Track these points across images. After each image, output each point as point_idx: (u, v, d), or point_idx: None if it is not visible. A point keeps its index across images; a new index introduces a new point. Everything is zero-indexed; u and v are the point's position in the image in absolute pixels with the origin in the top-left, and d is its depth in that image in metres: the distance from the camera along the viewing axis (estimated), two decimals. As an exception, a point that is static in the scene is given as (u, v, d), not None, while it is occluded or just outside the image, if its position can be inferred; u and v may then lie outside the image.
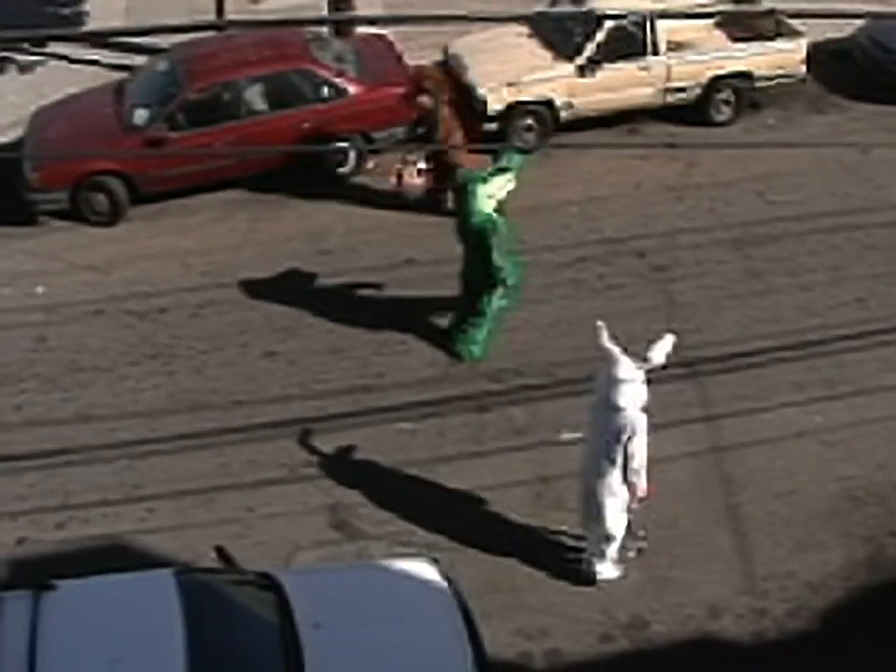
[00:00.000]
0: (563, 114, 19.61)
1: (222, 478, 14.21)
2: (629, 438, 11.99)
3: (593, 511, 12.48)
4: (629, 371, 11.85)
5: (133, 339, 16.28)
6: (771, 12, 19.18)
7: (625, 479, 12.19)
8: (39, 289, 17.18)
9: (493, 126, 19.35)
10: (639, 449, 12.09)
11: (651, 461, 13.94)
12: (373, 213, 18.55)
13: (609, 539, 12.64)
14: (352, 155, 19.09)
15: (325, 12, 21.73)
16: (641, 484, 12.31)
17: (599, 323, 12.04)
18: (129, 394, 15.45)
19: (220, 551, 12.77)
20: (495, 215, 15.41)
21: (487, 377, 15.54)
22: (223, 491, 14.05)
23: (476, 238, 15.46)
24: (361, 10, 21.75)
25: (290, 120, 18.55)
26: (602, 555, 12.85)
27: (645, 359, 11.94)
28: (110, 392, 15.47)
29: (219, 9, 21.75)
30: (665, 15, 20.05)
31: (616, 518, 12.48)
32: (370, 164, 19.38)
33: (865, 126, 20.30)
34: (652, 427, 14.42)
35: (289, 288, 16.99)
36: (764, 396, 15.08)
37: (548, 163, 19.17)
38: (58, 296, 17.03)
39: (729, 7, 20.65)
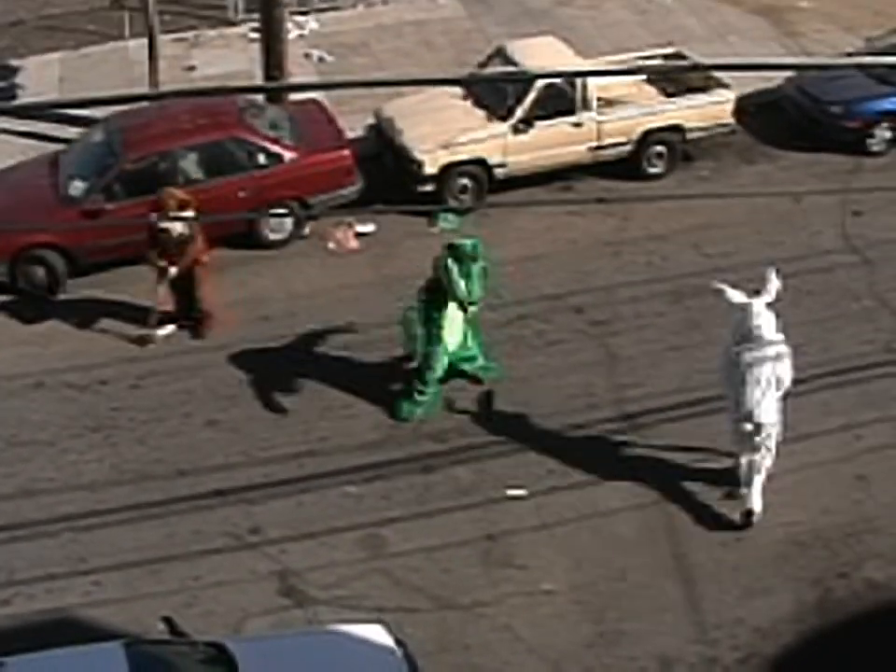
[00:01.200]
0: (498, 173, 19.76)
1: (168, 548, 14.13)
2: (778, 362, 13.96)
3: (760, 445, 13.89)
4: (758, 304, 14.15)
5: (74, 411, 16.19)
6: (696, 67, 19.43)
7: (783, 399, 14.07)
8: (-22, 364, 17.09)
9: (428, 188, 19.46)
10: (788, 370, 14.07)
11: (597, 515, 14.14)
12: (312, 278, 18.60)
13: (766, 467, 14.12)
14: (288, 221, 19.13)
15: (258, 79, 21.85)
16: None
17: (717, 284, 14.48)
18: (71, 467, 15.34)
19: (169, 621, 12.68)
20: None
21: (431, 438, 15.55)
22: (170, 561, 13.98)
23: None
24: (294, 76, 21.88)
25: (227, 188, 18.55)
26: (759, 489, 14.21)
27: (759, 291, 14.29)
28: (52, 466, 15.36)
29: (154, 78, 21.81)
30: (595, 73, 20.29)
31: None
32: (306, 230, 19.41)
33: (796, 175, 20.58)
34: (596, 482, 14.65)
35: (230, 356, 16.97)
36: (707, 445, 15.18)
37: (484, 223, 19.27)
38: (-3, 370, 16.95)
39: (657, 63, 20.96)
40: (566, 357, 16.73)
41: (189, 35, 25.24)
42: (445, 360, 15.79)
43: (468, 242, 15.75)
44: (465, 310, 15.68)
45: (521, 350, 16.84)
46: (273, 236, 19.18)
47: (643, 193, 19.98)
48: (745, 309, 14.16)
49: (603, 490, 14.64)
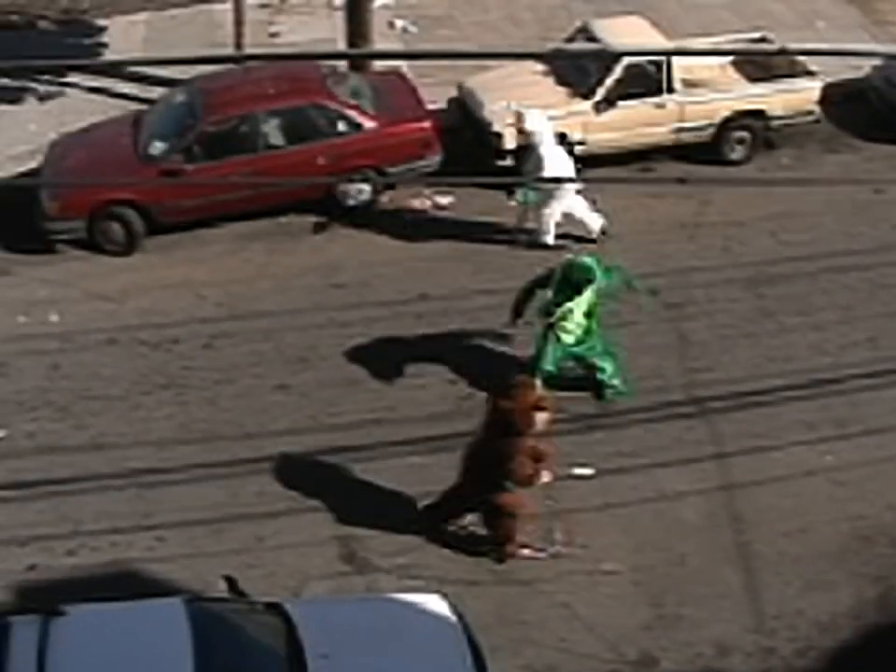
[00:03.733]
0: (577, 150, 19.65)
1: (232, 508, 14.24)
2: None
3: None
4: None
5: (145, 368, 16.33)
6: (783, 52, 19.22)
7: None
8: (54, 317, 17.25)
9: (507, 162, 19.42)
10: None
11: (662, 498, 14.08)
12: (387, 247, 18.62)
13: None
14: (367, 189, 19.17)
15: (342, 47, 21.87)
16: None
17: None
18: (141, 423, 15.49)
19: (230, 580, 12.79)
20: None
21: (498, 412, 15.53)
22: (233, 521, 14.07)
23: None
24: (378, 46, 21.89)
25: (306, 154, 18.62)
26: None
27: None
28: (122, 421, 15.52)
29: (238, 42, 21.90)
30: (680, 53, 20.15)
31: None
32: (384, 199, 19.45)
33: (879, 166, 20.33)
34: (662, 465, 14.58)
35: (303, 321, 17.03)
36: (775, 434, 15.10)
37: (562, 200, 19.27)
38: (72, 324, 17.10)
39: (743, 47, 20.75)
40: (638, 338, 16.64)
41: (275, 0, 25.31)
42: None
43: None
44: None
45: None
46: (350, 204, 19.23)
47: (723, 178, 19.86)
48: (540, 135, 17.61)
49: (668, 473, 14.57)
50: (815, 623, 12.95)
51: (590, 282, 15.05)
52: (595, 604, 13.12)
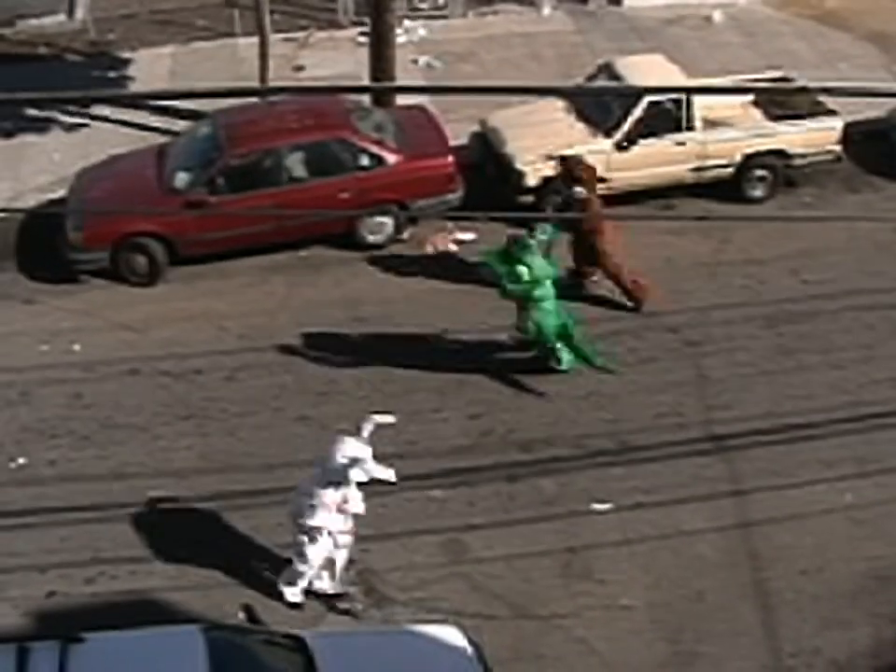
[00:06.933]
0: (598, 188, 19.69)
1: (252, 539, 14.27)
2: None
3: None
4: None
5: (167, 399, 16.42)
6: (804, 90, 19.27)
7: None
8: (76, 347, 17.36)
9: (529, 199, 19.51)
10: None
11: (679, 534, 14.05)
12: (408, 282, 18.71)
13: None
14: (388, 224, 19.27)
15: (366, 82, 22.02)
16: None
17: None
18: (162, 453, 15.58)
19: (249, 610, 12.82)
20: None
21: (518, 447, 15.59)
22: (253, 552, 14.11)
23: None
24: (401, 81, 22.04)
25: (329, 188, 18.73)
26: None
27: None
28: (143, 451, 15.62)
29: (262, 76, 22.08)
30: (701, 91, 20.23)
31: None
32: (406, 234, 19.55)
33: (899, 206, 20.39)
34: (680, 501, 14.57)
35: (324, 354, 17.12)
36: (794, 472, 15.09)
37: (582, 236, 19.34)
38: (95, 354, 17.21)
39: (764, 85, 20.83)
40: (657, 375, 16.70)
41: (299, 35, 25.53)
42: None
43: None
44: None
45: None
46: (371, 238, 19.33)
47: (744, 216, 19.88)
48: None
49: (686, 510, 14.59)
50: (832, 663, 12.93)
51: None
52: (612, 639, 13.13)
